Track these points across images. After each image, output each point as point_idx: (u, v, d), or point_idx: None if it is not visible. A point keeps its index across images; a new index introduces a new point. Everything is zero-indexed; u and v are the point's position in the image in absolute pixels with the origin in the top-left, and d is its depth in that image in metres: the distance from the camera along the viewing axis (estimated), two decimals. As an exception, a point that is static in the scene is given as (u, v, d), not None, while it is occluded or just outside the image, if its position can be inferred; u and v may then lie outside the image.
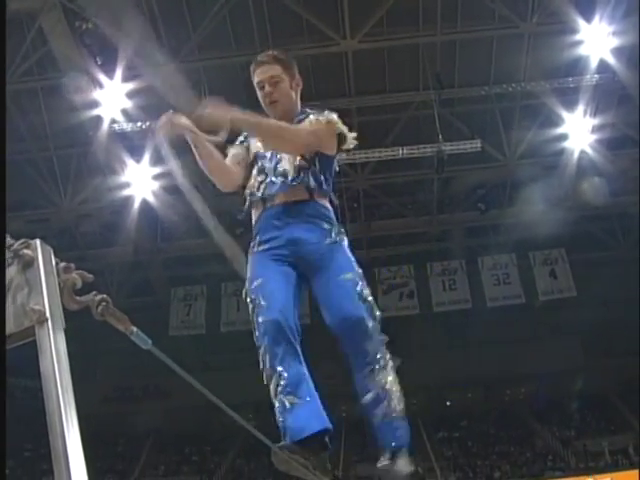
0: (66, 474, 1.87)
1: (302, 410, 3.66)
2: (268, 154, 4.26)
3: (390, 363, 3.99)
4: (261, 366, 3.81)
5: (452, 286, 31.59)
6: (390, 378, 3.94)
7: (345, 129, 4.31)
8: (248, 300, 3.98)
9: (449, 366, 33.92)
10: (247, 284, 4.03)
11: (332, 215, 4.21)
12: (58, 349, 2.05)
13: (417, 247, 32.27)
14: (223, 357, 34.23)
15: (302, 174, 4.12)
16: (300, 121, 4.26)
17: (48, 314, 2.08)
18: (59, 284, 2.19)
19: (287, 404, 3.68)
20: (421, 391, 36.32)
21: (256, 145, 4.34)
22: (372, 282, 31.45)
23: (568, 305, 31.81)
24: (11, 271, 2.17)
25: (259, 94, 4.34)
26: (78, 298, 2.27)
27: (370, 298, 4.02)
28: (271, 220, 4.09)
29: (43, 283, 2.12)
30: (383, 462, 3.89)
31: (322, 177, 4.18)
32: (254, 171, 4.30)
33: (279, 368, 3.71)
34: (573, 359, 33.58)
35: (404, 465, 3.89)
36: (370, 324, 3.92)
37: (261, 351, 3.81)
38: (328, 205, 4.23)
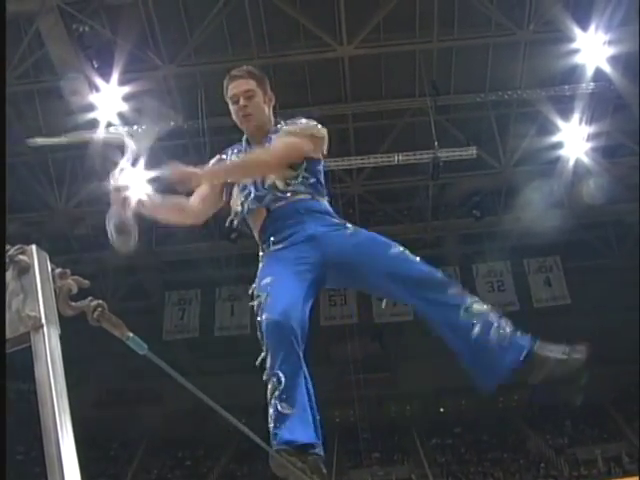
0: (60, 481, 1.87)
1: (295, 421, 3.64)
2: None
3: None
4: (260, 363, 3.81)
5: (446, 293, 31.58)
6: (486, 305, 3.96)
7: (323, 130, 4.37)
8: (255, 297, 3.95)
9: (443, 373, 33.82)
10: (256, 282, 4.01)
11: (333, 212, 4.25)
12: (53, 355, 2.05)
13: (412, 253, 32.26)
14: (216, 362, 34.23)
15: (292, 184, 4.17)
16: (276, 136, 4.31)
17: (44, 320, 2.08)
18: (55, 290, 2.19)
19: (280, 411, 3.65)
20: (415, 398, 36.43)
21: None
22: (366, 288, 31.53)
23: (562, 313, 31.83)
24: (7, 277, 2.17)
25: (232, 108, 4.41)
26: (74, 304, 2.27)
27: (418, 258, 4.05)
28: (282, 219, 4.11)
29: (39, 289, 2.12)
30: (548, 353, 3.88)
31: (314, 180, 4.23)
32: (235, 190, 4.37)
33: (278, 372, 3.67)
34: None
35: (556, 348, 3.93)
36: (439, 274, 3.99)
37: (264, 349, 3.79)
38: (328, 207, 4.27)
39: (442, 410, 37.65)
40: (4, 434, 2.14)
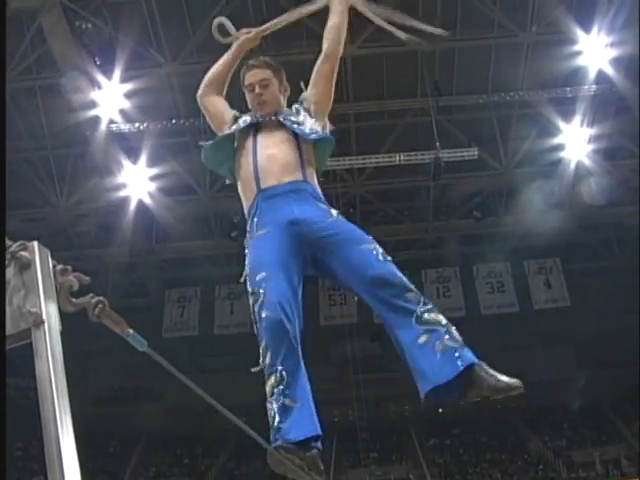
0: (60, 479, 1.87)
1: (296, 414, 3.64)
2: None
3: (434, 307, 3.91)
4: (261, 360, 3.78)
5: (446, 293, 31.58)
6: (441, 315, 3.86)
7: None
8: (249, 290, 3.94)
9: (442, 373, 33.89)
10: (249, 273, 3.98)
11: (323, 198, 4.25)
12: (54, 352, 2.05)
13: (412, 254, 32.24)
14: (216, 359, 34.23)
15: (324, 132, 4.36)
16: (289, 114, 4.43)
17: (45, 317, 2.07)
18: (56, 287, 2.19)
19: (282, 406, 3.65)
20: (413, 398, 36.26)
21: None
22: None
23: (562, 315, 31.81)
24: (8, 273, 2.16)
25: (248, 97, 4.52)
26: (75, 300, 2.27)
27: (390, 259, 4.01)
28: (268, 202, 4.10)
29: (40, 285, 2.12)
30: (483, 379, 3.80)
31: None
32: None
33: (279, 367, 3.68)
34: (566, 369, 33.63)
35: (495, 374, 3.85)
36: (402, 277, 3.90)
37: (262, 346, 3.78)
38: (318, 187, 4.28)
39: (441, 411, 37.60)
40: (4, 434, 2.14)
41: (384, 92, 25.46)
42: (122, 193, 26.48)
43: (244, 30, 4.87)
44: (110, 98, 23.37)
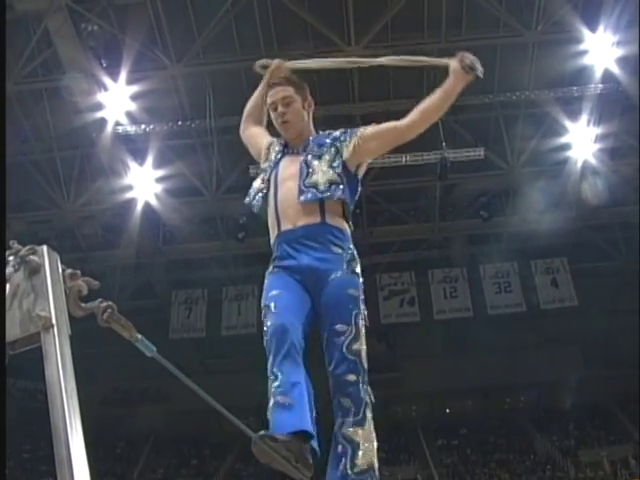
0: (70, 480, 1.88)
1: (289, 410, 3.63)
2: (291, 166, 4.31)
3: (368, 423, 3.96)
4: (268, 367, 3.80)
5: (453, 294, 31.54)
6: (361, 434, 3.90)
7: None
8: (262, 307, 3.98)
9: (449, 374, 33.89)
10: (264, 296, 4.03)
11: (346, 239, 4.21)
12: (63, 355, 2.06)
13: (419, 254, 32.25)
14: (223, 361, 34.22)
15: (333, 187, 4.16)
16: (320, 145, 4.34)
17: (54, 320, 2.09)
18: (65, 291, 2.20)
19: (277, 402, 3.66)
20: (421, 398, 36.37)
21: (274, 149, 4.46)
22: (373, 288, 31.52)
23: (569, 314, 31.74)
24: (18, 277, 2.18)
25: (272, 115, 4.46)
26: (84, 305, 2.28)
27: (361, 352, 3.95)
28: (287, 245, 4.10)
29: (49, 290, 2.14)
30: None
31: (348, 194, 4.22)
32: (260, 175, 4.41)
33: (275, 370, 3.70)
34: (573, 368, 33.51)
35: None
36: (350, 378, 3.85)
37: (267, 352, 3.81)
38: (343, 227, 4.23)
39: (448, 411, 37.59)
40: (4, 434, 2.15)
41: (390, 92, 25.44)
42: (128, 195, 26.51)
43: (277, 61, 4.80)
44: (116, 100, 23.41)
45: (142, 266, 31.40)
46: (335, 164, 4.24)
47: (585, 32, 22.37)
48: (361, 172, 4.39)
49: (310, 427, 3.65)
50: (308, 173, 4.20)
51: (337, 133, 4.42)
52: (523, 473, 31.38)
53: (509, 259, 31.54)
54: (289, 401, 3.64)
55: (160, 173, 26.08)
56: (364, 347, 3.99)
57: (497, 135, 26.85)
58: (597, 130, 25.54)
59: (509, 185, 28.44)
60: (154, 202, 27.01)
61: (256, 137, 4.70)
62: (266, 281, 4.14)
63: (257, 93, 4.82)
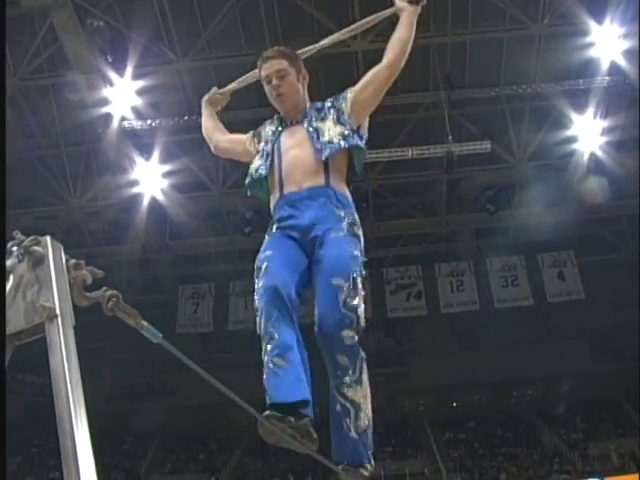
0: (75, 472, 1.87)
1: (284, 375, 3.63)
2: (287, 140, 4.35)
3: (365, 379, 3.86)
4: (257, 329, 3.81)
5: (460, 287, 31.51)
6: (360, 393, 3.82)
7: None
8: (255, 269, 4.00)
9: (456, 368, 33.85)
10: (258, 257, 4.05)
11: (348, 205, 4.23)
12: (68, 346, 2.05)
13: (425, 248, 32.23)
14: (230, 355, 34.20)
15: (348, 138, 4.24)
16: (319, 110, 4.41)
17: (58, 311, 2.08)
18: (69, 281, 2.20)
19: (274, 367, 3.66)
20: (428, 392, 36.34)
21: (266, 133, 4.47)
22: (380, 282, 31.53)
23: (576, 307, 31.71)
24: (21, 268, 2.17)
25: (266, 89, 4.43)
26: (88, 294, 2.27)
27: (358, 308, 3.84)
28: (289, 205, 4.13)
29: (53, 280, 2.13)
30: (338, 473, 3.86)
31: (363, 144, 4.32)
32: (258, 155, 4.44)
33: (270, 330, 3.69)
34: (581, 362, 33.49)
35: (357, 473, 3.85)
36: (347, 334, 3.74)
37: (258, 314, 3.81)
38: (346, 193, 4.28)
39: (455, 405, 37.58)
40: (4, 432, 2.14)
41: (396, 86, 25.38)
42: (135, 190, 26.54)
43: (213, 89, 5.03)
44: (122, 95, 23.42)
45: (149, 261, 31.46)
46: (341, 120, 4.30)
47: (591, 24, 22.30)
48: (364, 131, 4.42)
49: (308, 394, 3.67)
50: (319, 135, 4.22)
51: (330, 99, 4.48)
52: (531, 466, 31.37)
53: (516, 252, 31.50)
54: (284, 364, 3.64)
55: (166, 168, 26.10)
56: (362, 306, 3.89)
57: (503, 128, 26.80)
58: (604, 123, 25.49)
59: (515, 178, 28.39)
60: (160, 197, 27.04)
61: (235, 136, 4.81)
62: (264, 242, 4.16)
63: (205, 117, 5.05)
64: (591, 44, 22.98)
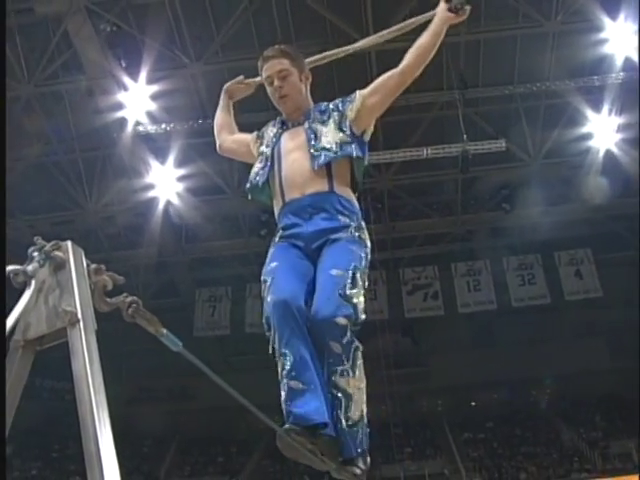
0: (99, 476, 1.88)
1: (303, 397, 3.59)
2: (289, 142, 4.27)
3: (358, 370, 3.81)
4: (270, 348, 3.78)
5: (477, 287, 31.45)
6: (353, 383, 3.76)
7: None
8: (262, 280, 3.96)
9: (474, 367, 33.79)
10: (264, 270, 4.01)
11: (354, 210, 4.14)
12: (90, 350, 2.06)
13: (441, 247, 32.19)
14: (247, 358, 34.23)
15: (344, 146, 4.12)
16: (322, 112, 4.32)
17: (80, 315, 2.09)
18: (90, 286, 2.20)
19: (289, 388, 3.62)
20: (446, 392, 36.28)
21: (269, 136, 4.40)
22: (397, 283, 31.52)
23: (594, 305, 31.60)
24: (43, 273, 2.19)
25: (268, 90, 4.36)
26: (109, 300, 2.28)
27: (355, 299, 3.80)
28: (292, 214, 4.08)
29: (75, 285, 2.14)
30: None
31: (360, 154, 4.17)
32: (259, 158, 4.38)
33: (284, 350, 3.65)
34: (599, 360, 33.36)
35: (348, 471, 3.79)
36: (341, 322, 3.68)
37: (270, 332, 3.78)
38: (351, 197, 4.18)
39: (474, 404, 37.49)
40: (4, 434, 2.15)
41: (410, 86, 25.30)
42: (150, 194, 26.62)
43: (239, 77, 4.91)
44: (136, 99, 23.48)
45: (165, 265, 31.55)
46: (342, 126, 4.19)
47: (605, 20, 22.18)
48: (367, 136, 4.33)
49: (327, 417, 3.61)
50: (316, 138, 4.14)
51: (337, 100, 4.38)
52: (550, 466, 31.24)
53: (532, 251, 31.44)
54: (302, 386, 3.60)
55: (181, 172, 26.15)
56: (361, 298, 3.86)
57: (518, 126, 26.69)
58: (619, 119, 25.36)
59: (531, 177, 28.29)
60: (176, 201, 27.12)
61: (239, 137, 4.75)
62: (269, 253, 4.12)
63: (220, 108, 4.93)
64: (605, 40, 22.86)
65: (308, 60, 4.60)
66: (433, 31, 4.27)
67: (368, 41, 4.79)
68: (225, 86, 4.91)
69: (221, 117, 4.89)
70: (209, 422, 34.67)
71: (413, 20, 4.66)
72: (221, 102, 4.91)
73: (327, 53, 4.73)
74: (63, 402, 29.28)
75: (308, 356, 3.66)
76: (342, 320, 3.69)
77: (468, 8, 4.29)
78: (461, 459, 32.25)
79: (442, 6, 4.29)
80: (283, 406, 3.67)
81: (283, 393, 3.67)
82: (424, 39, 4.25)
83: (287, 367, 3.63)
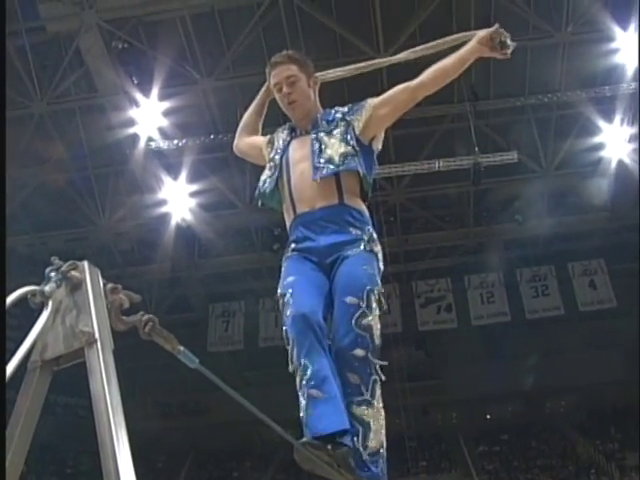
0: (118, 494, 1.89)
1: (323, 406, 3.57)
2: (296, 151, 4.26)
3: (377, 402, 3.82)
4: (289, 360, 3.76)
5: (490, 299, 31.35)
6: (371, 412, 3.76)
7: None
8: (279, 297, 3.96)
9: (488, 379, 33.64)
10: (280, 283, 4.01)
11: (365, 221, 4.14)
12: (108, 370, 2.07)
13: (454, 260, 32.11)
14: (261, 373, 34.23)
15: (349, 159, 4.09)
16: (329, 121, 4.29)
17: (97, 335, 2.10)
18: (107, 305, 2.22)
19: (309, 397, 3.61)
20: (461, 405, 36.15)
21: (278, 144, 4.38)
22: (409, 296, 31.47)
23: (608, 316, 31.47)
24: (60, 293, 2.20)
25: (277, 96, 4.35)
26: (125, 318, 2.29)
27: (372, 328, 3.85)
28: (304, 227, 4.07)
29: (91, 305, 2.15)
30: None
31: (365, 167, 4.15)
32: (268, 165, 4.38)
33: (304, 361, 3.63)
34: (614, 371, 33.16)
35: None
36: (358, 354, 3.73)
37: (289, 345, 3.76)
38: (361, 208, 4.17)
39: (488, 417, 37.35)
40: (3, 435, 2.16)
41: (421, 99, 25.35)
42: (163, 210, 26.68)
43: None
44: (148, 116, 23.59)
45: (178, 280, 31.58)
46: (348, 137, 4.17)
47: (616, 30, 22.17)
48: (377, 144, 4.34)
49: (347, 424, 3.61)
50: (321, 150, 4.13)
51: (345, 108, 4.35)
52: (567, 478, 31.10)
53: (545, 262, 31.34)
54: (323, 395, 3.58)
55: (194, 187, 26.21)
56: (377, 326, 3.90)
57: (530, 138, 26.65)
58: (631, 130, 25.29)
59: (543, 188, 28.22)
60: (188, 216, 27.17)
61: (253, 140, 4.72)
62: (283, 266, 4.12)
63: (249, 111, 4.86)
64: (616, 50, 22.84)
65: (340, 71, 4.63)
66: (461, 57, 4.29)
67: (402, 56, 4.72)
68: (265, 85, 4.71)
69: (248, 116, 4.85)
70: (223, 437, 34.63)
71: (451, 38, 4.60)
72: (257, 98, 4.81)
73: (359, 65, 4.73)
74: (77, 418, 29.34)
75: (328, 369, 3.66)
76: (360, 352, 3.75)
77: (513, 45, 4.36)
78: (476, 472, 32.12)
79: (485, 35, 4.35)
80: (302, 414, 3.67)
81: (303, 402, 3.67)
82: (449, 62, 4.26)
83: (307, 376, 3.63)
